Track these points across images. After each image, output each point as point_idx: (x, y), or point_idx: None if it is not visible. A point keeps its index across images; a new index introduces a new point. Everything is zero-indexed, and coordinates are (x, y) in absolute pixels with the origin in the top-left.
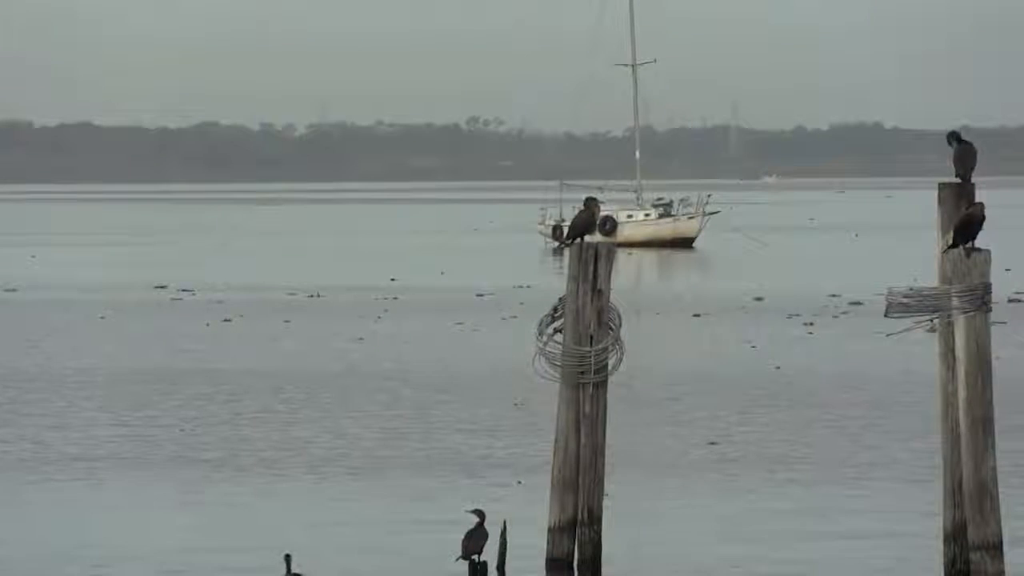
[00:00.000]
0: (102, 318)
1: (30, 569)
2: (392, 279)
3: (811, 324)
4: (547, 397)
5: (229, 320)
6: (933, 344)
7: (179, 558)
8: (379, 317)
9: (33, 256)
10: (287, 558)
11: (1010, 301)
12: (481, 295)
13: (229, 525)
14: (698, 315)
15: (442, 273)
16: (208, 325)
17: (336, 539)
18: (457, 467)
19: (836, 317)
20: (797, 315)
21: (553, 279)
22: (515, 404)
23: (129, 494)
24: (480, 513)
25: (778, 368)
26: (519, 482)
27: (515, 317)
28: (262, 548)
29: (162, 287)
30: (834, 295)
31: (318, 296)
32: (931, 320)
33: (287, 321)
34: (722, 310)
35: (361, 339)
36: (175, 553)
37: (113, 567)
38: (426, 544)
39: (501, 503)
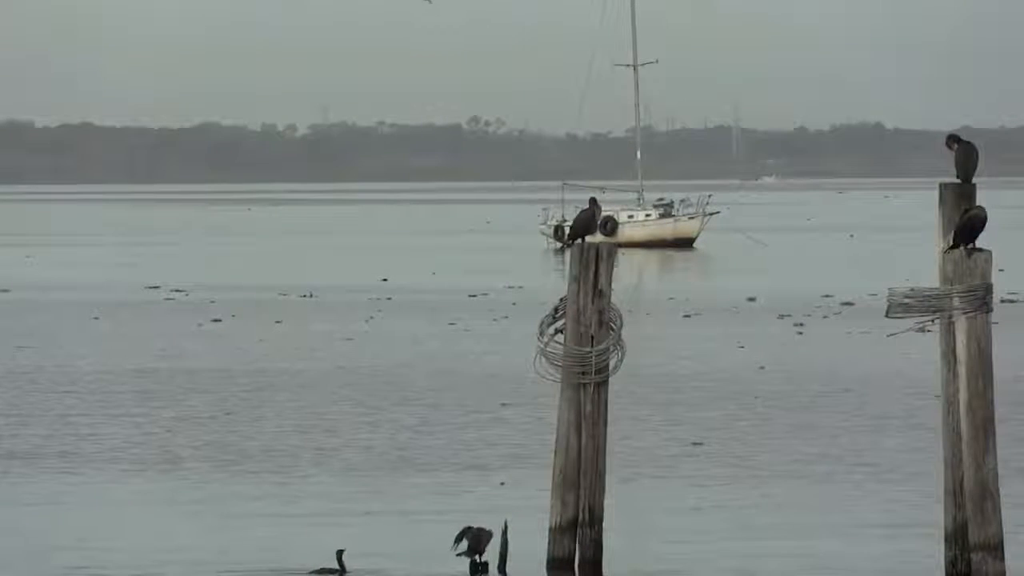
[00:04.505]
0: (95, 319)
1: (11, 566)
2: (384, 279)
3: (801, 325)
4: (537, 398)
5: (220, 320)
6: (922, 345)
7: (164, 558)
8: (371, 317)
9: (28, 256)
10: (339, 553)
11: (1003, 301)
12: (473, 295)
13: (219, 525)
14: (688, 316)
15: (433, 273)
16: (200, 325)
17: (331, 539)
18: (447, 467)
19: (827, 318)
20: (788, 315)
21: (546, 279)
22: (502, 404)
23: (116, 493)
24: (468, 530)
25: (762, 368)
26: (502, 483)
27: (506, 318)
28: (252, 548)
29: (155, 287)
30: (827, 296)
31: (310, 296)
32: (932, 320)
33: (278, 322)
34: (714, 311)
35: (351, 339)
36: (160, 553)
37: (98, 566)
38: (422, 543)
39: (495, 503)
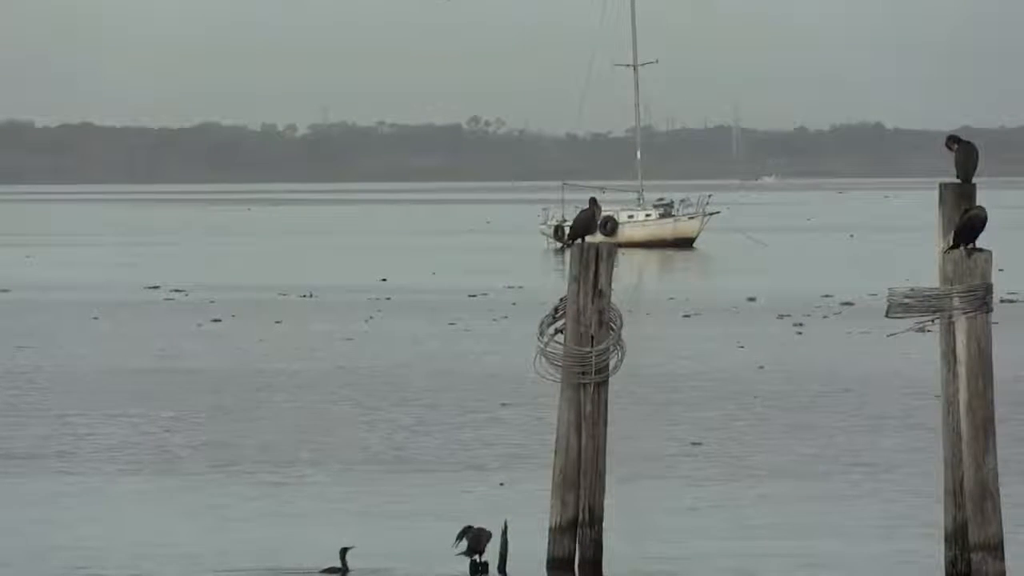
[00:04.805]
0: (95, 319)
1: (10, 567)
2: (383, 279)
3: (801, 324)
4: (537, 398)
5: (219, 320)
6: (922, 345)
7: (163, 557)
8: (371, 317)
9: (28, 256)
10: (343, 552)
11: (1003, 301)
12: (473, 295)
13: (218, 525)
14: (688, 316)
15: (433, 274)
16: (200, 325)
17: (330, 539)
18: (447, 467)
19: (827, 317)
20: (788, 315)
21: (546, 279)
22: (502, 404)
23: (115, 493)
24: (469, 529)
25: (762, 368)
26: (501, 484)
27: (506, 318)
28: (251, 548)
29: (155, 287)
30: (827, 296)
31: (310, 296)
32: (931, 320)
33: (278, 322)
34: (714, 310)
35: (350, 339)
36: (158, 553)
37: (97, 566)
38: (422, 543)
39: (495, 503)
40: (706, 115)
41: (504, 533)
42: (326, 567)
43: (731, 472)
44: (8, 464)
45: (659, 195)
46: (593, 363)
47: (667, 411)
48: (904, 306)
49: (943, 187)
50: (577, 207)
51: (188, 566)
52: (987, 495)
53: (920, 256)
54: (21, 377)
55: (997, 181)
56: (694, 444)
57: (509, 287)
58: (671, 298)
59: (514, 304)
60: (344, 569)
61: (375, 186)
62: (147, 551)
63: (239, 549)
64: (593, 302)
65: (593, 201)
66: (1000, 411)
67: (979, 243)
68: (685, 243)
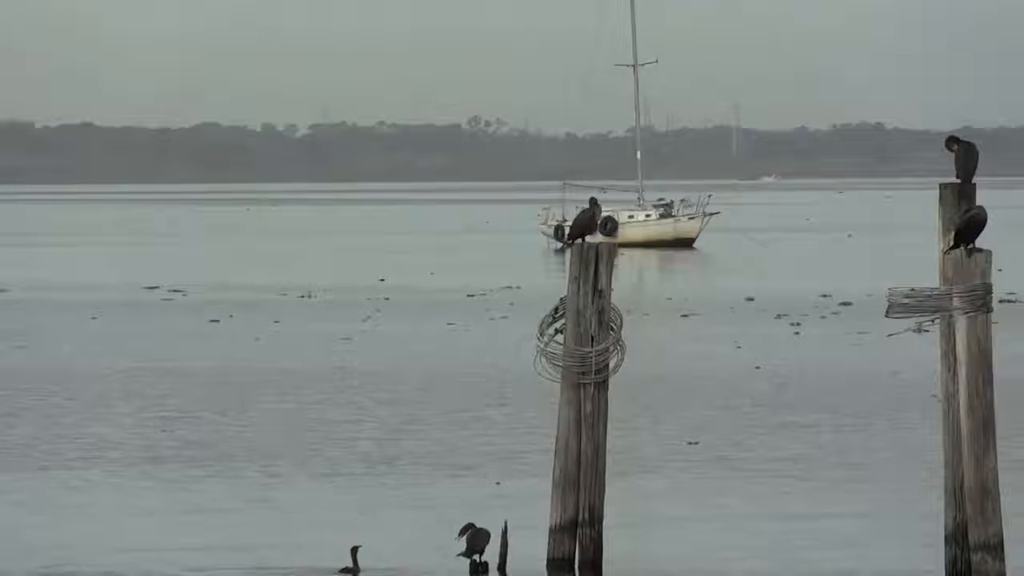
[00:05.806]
0: (93, 319)
1: (9, 567)
2: (382, 279)
3: (798, 324)
4: (536, 398)
5: (217, 321)
6: (920, 345)
7: (161, 557)
8: (368, 317)
9: (29, 256)
10: (354, 551)
11: (1002, 301)
12: (472, 295)
13: (215, 524)
14: (686, 315)
15: (432, 273)
16: (198, 325)
17: (327, 538)
18: (445, 467)
19: (824, 317)
20: (786, 315)
21: (546, 279)
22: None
23: (112, 492)
24: (472, 525)
25: (759, 368)
26: (497, 483)
27: (505, 318)
28: (249, 548)
29: (154, 288)
30: (825, 295)
31: (309, 296)
32: (931, 320)
33: (276, 322)
34: (712, 310)
35: (348, 339)
36: (157, 552)
37: (94, 565)
38: (420, 543)
39: (493, 503)
40: (706, 115)
41: (504, 533)
42: (342, 567)
43: (728, 472)
44: (3, 463)
45: (659, 195)
46: (593, 363)
47: (665, 411)
48: (904, 306)
49: (943, 187)
50: (577, 207)
51: (185, 566)
52: (987, 495)
53: (920, 256)
54: (19, 377)
55: (997, 181)
56: (690, 443)
57: (508, 287)
58: (670, 298)
59: (513, 304)
60: (356, 569)
61: (375, 186)
62: (144, 551)
63: (234, 549)
64: (593, 302)
65: (593, 201)
66: (1000, 411)
67: (979, 243)
68: (685, 243)
